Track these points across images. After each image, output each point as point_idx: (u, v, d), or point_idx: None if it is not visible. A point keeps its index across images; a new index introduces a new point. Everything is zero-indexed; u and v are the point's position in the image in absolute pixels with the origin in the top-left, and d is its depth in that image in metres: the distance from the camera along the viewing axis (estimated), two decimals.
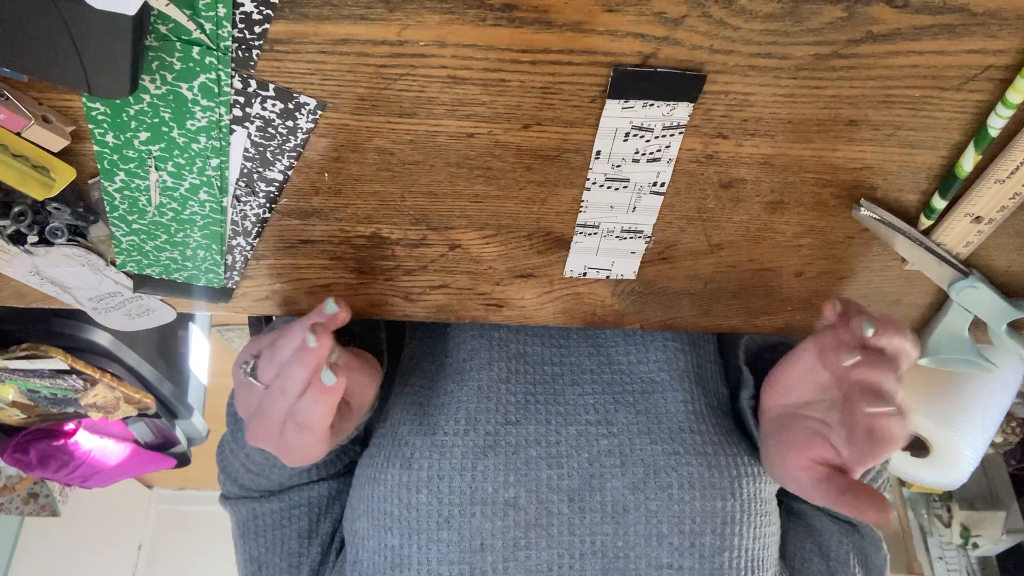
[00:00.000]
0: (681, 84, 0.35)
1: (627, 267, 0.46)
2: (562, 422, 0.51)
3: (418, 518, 0.48)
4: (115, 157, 0.37)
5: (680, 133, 0.38)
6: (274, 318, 0.90)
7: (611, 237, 0.44)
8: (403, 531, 0.48)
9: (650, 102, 0.36)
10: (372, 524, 0.51)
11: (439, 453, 0.49)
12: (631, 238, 0.44)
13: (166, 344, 1.15)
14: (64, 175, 0.37)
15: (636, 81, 0.35)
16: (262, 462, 0.54)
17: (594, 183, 0.41)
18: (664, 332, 0.55)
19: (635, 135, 0.38)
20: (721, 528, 0.48)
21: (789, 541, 0.57)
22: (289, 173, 0.39)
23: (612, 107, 0.36)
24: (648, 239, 0.44)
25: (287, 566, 0.56)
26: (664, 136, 0.38)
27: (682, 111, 0.37)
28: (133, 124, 0.36)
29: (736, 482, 0.49)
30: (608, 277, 0.47)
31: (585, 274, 0.47)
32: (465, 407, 0.51)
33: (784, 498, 0.59)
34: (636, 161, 0.39)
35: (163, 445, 1.24)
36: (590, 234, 0.44)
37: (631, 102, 0.36)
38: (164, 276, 0.45)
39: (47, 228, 0.40)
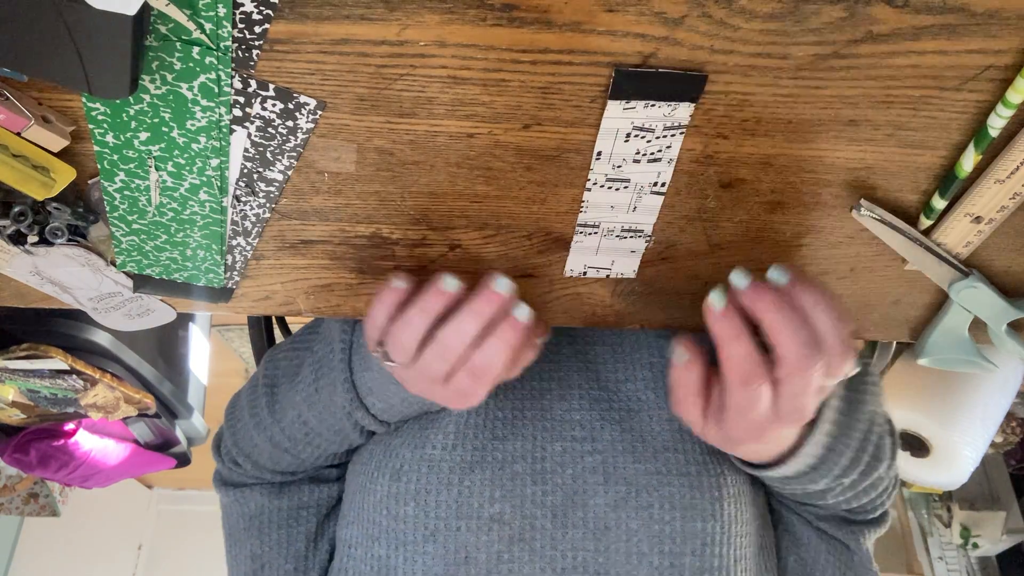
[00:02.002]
0: (682, 84, 0.35)
1: (627, 266, 0.46)
2: (548, 438, 0.51)
3: (405, 530, 0.48)
4: (115, 157, 0.37)
5: (681, 133, 0.38)
6: (273, 320, 0.90)
7: (611, 237, 0.44)
8: (390, 542, 0.49)
9: (651, 103, 0.36)
10: (361, 532, 0.51)
11: (427, 467, 0.49)
12: (631, 237, 0.44)
13: (166, 344, 1.15)
14: (64, 175, 0.37)
15: (637, 82, 0.35)
16: (299, 437, 0.54)
17: (595, 183, 0.41)
18: (651, 351, 0.55)
19: (636, 135, 0.38)
20: (701, 549, 0.48)
21: (784, 560, 0.56)
22: (289, 173, 0.39)
23: (613, 108, 0.36)
24: (648, 238, 0.44)
25: (292, 569, 0.55)
26: (665, 136, 0.38)
27: (683, 111, 0.37)
28: (133, 124, 0.36)
29: (717, 503, 0.49)
30: (608, 276, 0.47)
31: (585, 273, 0.47)
32: (455, 422, 0.51)
33: (777, 508, 0.58)
34: (637, 161, 0.39)
35: (163, 445, 1.24)
36: (590, 234, 0.44)
37: (632, 103, 0.36)
38: (164, 276, 0.45)
39: (47, 228, 0.40)
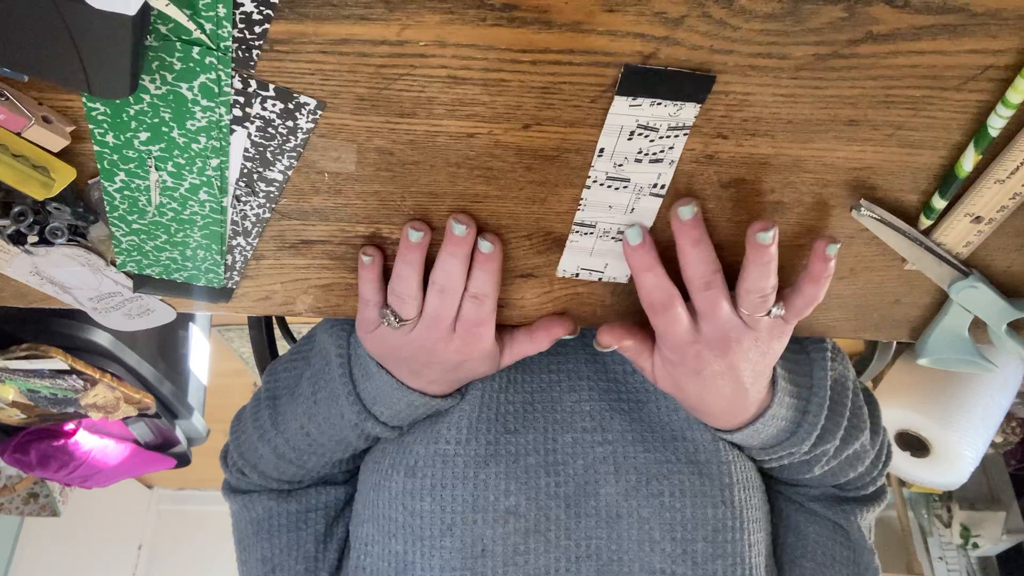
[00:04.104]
0: (691, 84, 0.35)
1: (620, 270, 0.46)
2: (559, 430, 0.52)
3: (422, 525, 0.49)
4: (115, 157, 0.37)
5: (685, 134, 0.38)
6: (273, 320, 0.90)
7: (607, 238, 0.44)
8: (407, 538, 0.49)
9: (658, 101, 0.36)
10: (377, 530, 0.51)
11: (442, 462, 0.50)
12: None
13: (166, 344, 1.15)
14: (64, 175, 0.37)
15: (647, 79, 0.35)
16: (303, 448, 0.54)
17: (595, 181, 0.41)
18: None
19: (640, 134, 0.38)
20: (713, 535, 0.48)
21: (778, 545, 0.57)
22: (289, 173, 0.39)
23: (620, 104, 0.36)
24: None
25: (303, 570, 0.55)
26: (669, 137, 0.38)
27: (689, 112, 0.37)
28: (133, 124, 0.36)
29: (727, 490, 0.50)
30: (600, 280, 0.47)
31: (578, 275, 0.47)
32: (467, 416, 0.51)
33: (772, 498, 0.59)
34: (639, 161, 0.39)
35: (163, 445, 1.24)
36: (586, 234, 0.44)
37: (639, 100, 0.36)
38: (164, 276, 0.45)
39: (47, 228, 0.40)
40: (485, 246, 0.42)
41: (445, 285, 0.43)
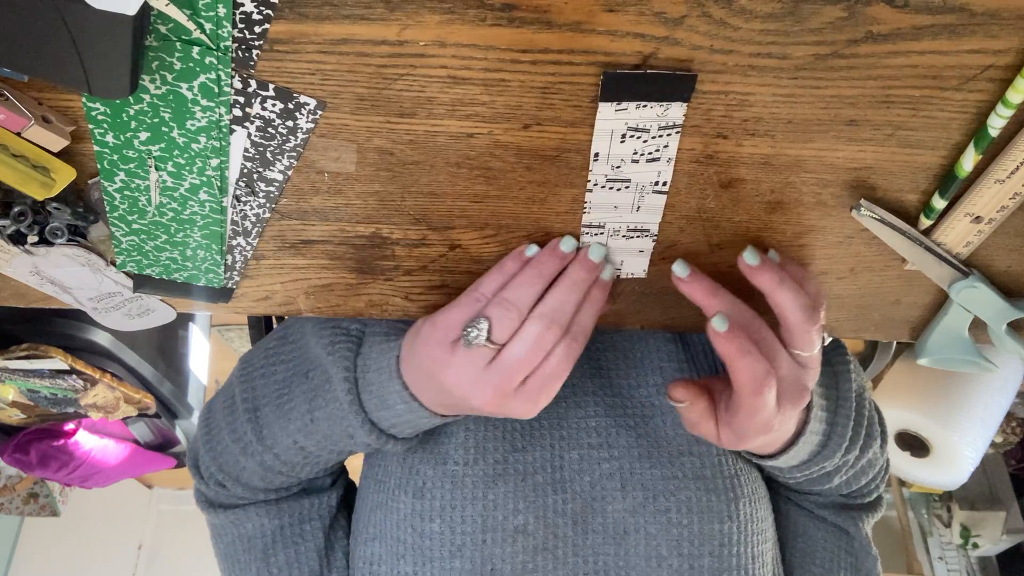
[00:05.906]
0: (672, 84, 0.35)
1: (637, 266, 0.46)
2: (565, 446, 0.52)
3: (431, 546, 0.48)
4: (115, 157, 0.37)
5: (677, 133, 0.38)
6: (273, 320, 0.90)
7: (618, 237, 0.44)
8: (416, 559, 0.49)
9: (643, 103, 0.36)
10: (384, 549, 0.50)
11: (451, 483, 0.49)
12: (638, 237, 0.44)
13: (166, 344, 1.15)
14: (64, 175, 0.37)
15: (627, 83, 0.35)
16: (296, 461, 0.51)
17: (595, 184, 0.41)
18: (660, 355, 0.56)
19: (632, 136, 0.38)
20: (719, 550, 0.48)
21: (788, 551, 0.57)
22: (289, 173, 0.39)
23: (605, 109, 0.36)
24: (656, 237, 0.44)
25: None
26: (661, 136, 0.38)
27: (676, 111, 0.37)
28: (133, 124, 0.36)
29: (733, 504, 0.50)
30: (619, 277, 0.47)
31: None
32: (474, 436, 0.51)
33: (780, 503, 0.59)
34: (635, 161, 0.39)
35: (163, 445, 1.24)
36: (596, 234, 0.44)
37: (624, 104, 0.36)
38: (164, 276, 0.45)
39: (47, 228, 0.40)
40: (609, 272, 0.41)
41: (555, 319, 0.39)
